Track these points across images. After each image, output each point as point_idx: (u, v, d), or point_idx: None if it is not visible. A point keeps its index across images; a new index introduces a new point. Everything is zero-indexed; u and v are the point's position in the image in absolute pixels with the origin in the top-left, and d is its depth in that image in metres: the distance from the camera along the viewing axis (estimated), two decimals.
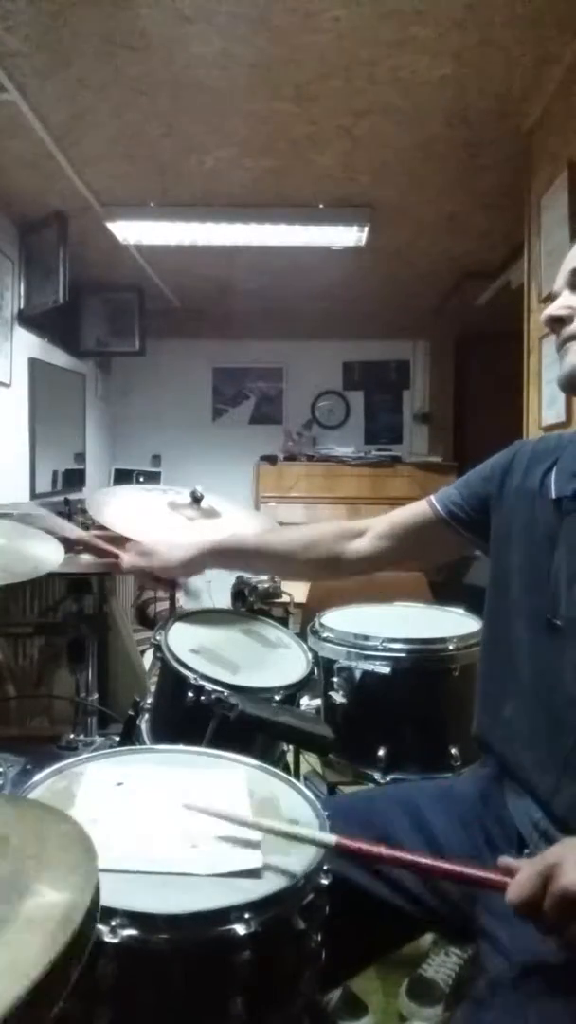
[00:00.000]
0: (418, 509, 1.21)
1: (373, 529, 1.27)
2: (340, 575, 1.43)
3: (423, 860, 0.78)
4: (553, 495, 0.97)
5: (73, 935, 0.46)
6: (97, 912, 0.50)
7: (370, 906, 0.99)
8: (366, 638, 1.41)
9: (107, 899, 0.58)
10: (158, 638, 1.32)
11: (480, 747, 1.06)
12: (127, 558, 1.34)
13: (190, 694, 1.18)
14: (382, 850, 0.78)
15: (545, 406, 2.46)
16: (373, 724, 1.40)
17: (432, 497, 1.19)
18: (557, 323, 0.96)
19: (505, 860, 0.76)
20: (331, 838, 0.78)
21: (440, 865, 0.77)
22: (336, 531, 1.30)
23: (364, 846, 0.78)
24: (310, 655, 1.41)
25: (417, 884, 0.99)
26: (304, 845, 0.81)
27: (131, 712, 1.35)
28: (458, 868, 0.77)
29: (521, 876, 0.73)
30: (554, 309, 0.96)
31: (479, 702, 1.08)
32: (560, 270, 0.99)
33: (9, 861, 0.53)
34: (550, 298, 0.99)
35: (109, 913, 0.65)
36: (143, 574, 1.34)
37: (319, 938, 0.78)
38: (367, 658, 1.39)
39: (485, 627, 1.12)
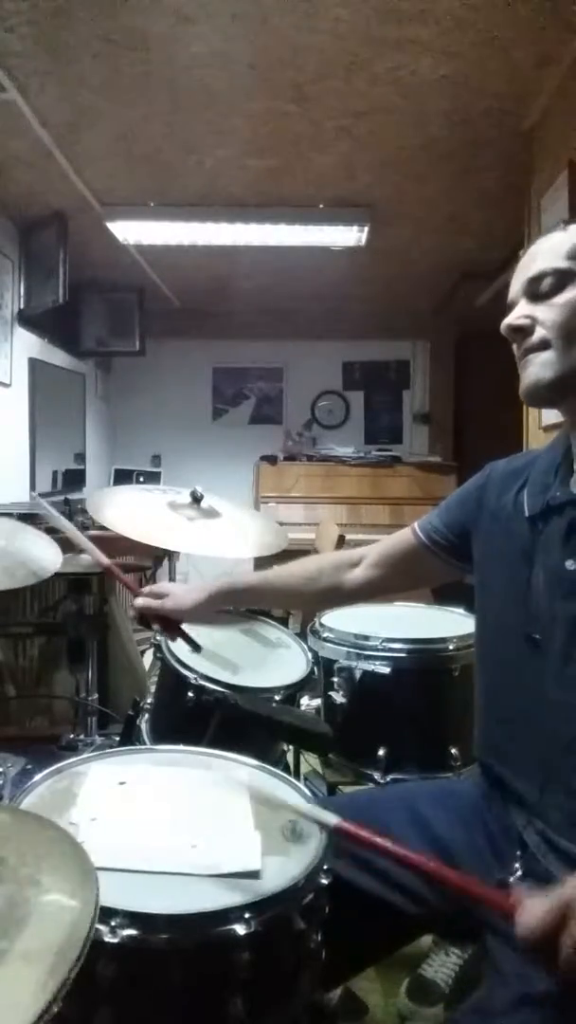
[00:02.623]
0: (403, 538, 1.22)
1: (367, 558, 1.28)
2: (340, 604, 1.51)
3: (425, 862, 0.75)
4: (527, 513, 0.98)
5: (69, 970, 0.45)
6: (90, 940, 0.49)
7: (370, 906, 0.99)
8: (366, 638, 1.41)
9: (107, 899, 0.58)
10: (158, 638, 1.32)
11: (481, 768, 1.07)
12: (139, 600, 1.33)
13: (190, 694, 1.19)
14: (386, 843, 0.76)
15: None
16: (373, 724, 1.40)
17: (415, 524, 1.21)
18: (517, 333, 0.94)
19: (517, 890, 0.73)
20: (332, 819, 0.77)
21: (441, 872, 0.74)
22: (334, 562, 1.31)
23: (365, 834, 0.76)
24: (310, 655, 1.41)
25: (418, 883, 0.99)
26: (304, 845, 0.81)
27: (131, 712, 1.35)
28: (459, 879, 0.74)
29: (537, 908, 0.68)
30: (513, 319, 0.94)
31: (476, 722, 1.10)
32: (515, 278, 0.97)
33: (6, 886, 0.52)
34: (509, 307, 0.97)
35: (109, 913, 0.66)
36: (153, 616, 1.32)
37: (319, 938, 0.78)
38: (367, 658, 1.39)
39: (476, 649, 1.13)
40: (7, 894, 0.51)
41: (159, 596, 1.30)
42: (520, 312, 0.94)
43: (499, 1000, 0.83)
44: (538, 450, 1.06)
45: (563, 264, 0.90)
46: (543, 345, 0.91)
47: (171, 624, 1.28)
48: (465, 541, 1.12)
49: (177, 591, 1.30)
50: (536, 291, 0.92)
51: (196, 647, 1.29)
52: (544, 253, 0.93)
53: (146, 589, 1.35)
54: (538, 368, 0.92)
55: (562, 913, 0.67)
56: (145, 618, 1.28)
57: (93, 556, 1.36)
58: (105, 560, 1.38)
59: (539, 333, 0.91)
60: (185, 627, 1.29)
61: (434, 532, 1.17)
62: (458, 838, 1.01)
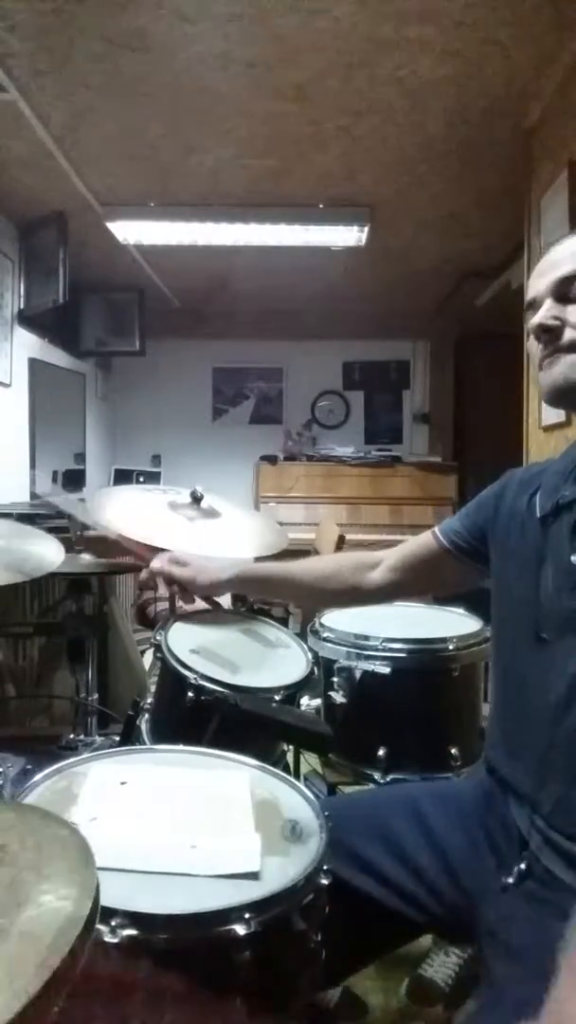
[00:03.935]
0: (424, 541, 1.24)
1: (386, 561, 1.30)
2: (357, 605, 1.53)
3: None
4: (538, 514, 1.00)
5: (71, 949, 0.45)
6: (95, 922, 0.49)
7: (369, 907, 0.99)
8: (366, 638, 1.41)
9: (107, 899, 0.58)
10: (158, 638, 1.32)
11: (486, 766, 1.07)
12: (158, 561, 1.36)
13: (190, 694, 1.18)
14: None
15: (545, 406, 2.46)
16: (373, 724, 1.40)
17: (436, 528, 1.23)
18: (545, 333, 0.94)
19: None
20: None
21: None
22: (353, 562, 1.33)
23: None
24: (310, 655, 1.41)
25: (416, 885, 0.99)
26: (304, 845, 0.81)
27: (131, 712, 1.35)
28: None
29: None
30: (544, 318, 0.94)
31: (489, 724, 1.10)
32: (539, 274, 0.97)
33: (7, 870, 0.52)
34: (532, 306, 0.97)
35: (109, 913, 0.65)
36: (168, 580, 1.36)
37: (319, 938, 0.78)
38: (367, 658, 1.39)
39: (491, 649, 1.15)
40: (8, 877, 0.52)
41: (180, 564, 1.34)
42: (549, 312, 0.94)
43: (490, 1012, 0.82)
44: (555, 458, 1.08)
45: None
46: (573, 347, 0.92)
47: (185, 592, 1.35)
48: (484, 544, 1.14)
49: (198, 563, 1.35)
50: (566, 293, 0.93)
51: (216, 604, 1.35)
52: (573, 255, 0.93)
53: (167, 555, 1.37)
54: (566, 368, 0.92)
55: None
56: (146, 598, 1.31)
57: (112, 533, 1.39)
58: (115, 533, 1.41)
59: (569, 335, 0.92)
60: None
61: (455, 536, 1.19)
62: (458, 838, 1.01)
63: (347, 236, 3.61)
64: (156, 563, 1.37)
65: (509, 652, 1.04)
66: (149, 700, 1.37)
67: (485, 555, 1.14)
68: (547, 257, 0.97)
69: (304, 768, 1.75)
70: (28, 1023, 0.41)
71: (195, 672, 1.20)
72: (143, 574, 1.39)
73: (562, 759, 0.89)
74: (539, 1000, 0.77)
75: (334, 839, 0.83)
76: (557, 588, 0.93)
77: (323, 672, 1.45)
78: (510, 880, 0.91)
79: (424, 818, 1.03)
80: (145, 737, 1.31)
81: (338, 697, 1.40)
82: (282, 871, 0.76)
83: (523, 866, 0.91)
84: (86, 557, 1.91)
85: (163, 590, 1.39)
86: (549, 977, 0.79)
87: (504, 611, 1.07)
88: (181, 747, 1.05)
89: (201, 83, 2.40)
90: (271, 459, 5.44)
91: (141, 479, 5.46)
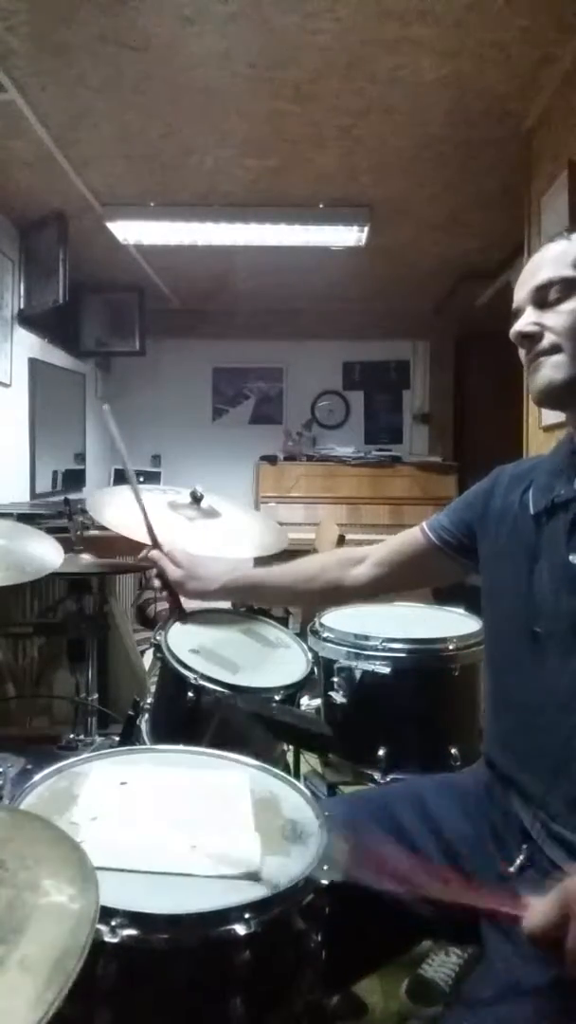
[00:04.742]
0: (412, 537, 1.25)
1: (371, 557, 1.30)
2: (343, 602, 1.55)
3: (429, 884, 0.78)
4: (532, 511, 1.00)
5: (66, 981, 0.45)
6: (87, 951, 0.49)
7: (372, 905, 0.98)
8: (366, 638, 1.41)
9: (107, 899, 0.58)
10: (158, 638, 1.32)
11: (486, 762, 1.07)
12: (155, 552, 1.39)
13: (190, 694, 1.19)
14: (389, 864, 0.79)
15: None
16: (373, 724, 1.40)
17: (424, 524, 1.24)
18: (526, 339, 0.97)
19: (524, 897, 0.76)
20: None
21: (449, 896, 0.78)
22: (337, 560, 1.34)
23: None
24: (310, 655, 1.41)
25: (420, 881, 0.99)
26: (304, 845, 0.81)
27: (131, 712, 1.35)
28: (467, 899, 0.77)
29: (541, 907, 0.72)
30: (522, 326, 0.97)
31: (485, 719, 1.11)
32: (520, 284, 1.00)
33: (5, 890, 0.52)
34: (516, 315, 1.00)
35: (109, 913, 0.65)
36: (158, 574, 1.39)
37: (319, 938, 0.78)
38: (367, 658, 1.39)
39: (485, 647, 1.15)
40: (6, 898, 0.51)
41: (174, 562, 1.37)
42: (528, 319, 0.97)
43: (485, 991, 0.84)
44: (544, 455, 1.09)
45: (569, 272, 0.94)
46: (554, 349, 0.95)
47: (171, 592, 1.37)
48: (473, 540, 1.14)
49: (192, 567, 1.37)
50: (543, 299, 0.96)
51: (184, 617, 1.38)
52: (549, 262, 0.96)
53: (167, 548, 1.39)
54: (550, 370, 0.95)
55: (564, 912, 0.69)
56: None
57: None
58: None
59: (549, 338, 0.95)
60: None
61: (443, 531, 1.19)
62: (462, 829, 1.02)
63: (347, 236, 3.61)
64: (154, 553, 1.39)
65: (503, 649, 1.04)
66: (149, 700, 1.37)
67: (473, 551, 1.15)
68: (527, 267, 1.00)
69: (304, 768, 1.75)
70: None
71: (195, 672, 1.20)
72: (142, 552, 1.41)
73: (568, 757, 0.89)
74: (534, 982, 0.78)
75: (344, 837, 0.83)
76: (555, 588, 0.94)
77: (323, 672, 1.45)
78: (511, 870, 0.92)
79: (429, 809, 1.04)
80: (145, 737, 1.31)
81: (338, 697, 1.41)
82: (282, 871, 0.76)
83: (524, 857, 0.92)
84: (86, 557, 1.91)
85: (157, 583, 1.41)
86: (545, 960, 0.79)
87: (497, 608, 1.08)
88: (181, 747, 1.05)
89: (201, 83, 2.40)
90: (271, 459, 5.44)
91: (141, 479, 5.44)
